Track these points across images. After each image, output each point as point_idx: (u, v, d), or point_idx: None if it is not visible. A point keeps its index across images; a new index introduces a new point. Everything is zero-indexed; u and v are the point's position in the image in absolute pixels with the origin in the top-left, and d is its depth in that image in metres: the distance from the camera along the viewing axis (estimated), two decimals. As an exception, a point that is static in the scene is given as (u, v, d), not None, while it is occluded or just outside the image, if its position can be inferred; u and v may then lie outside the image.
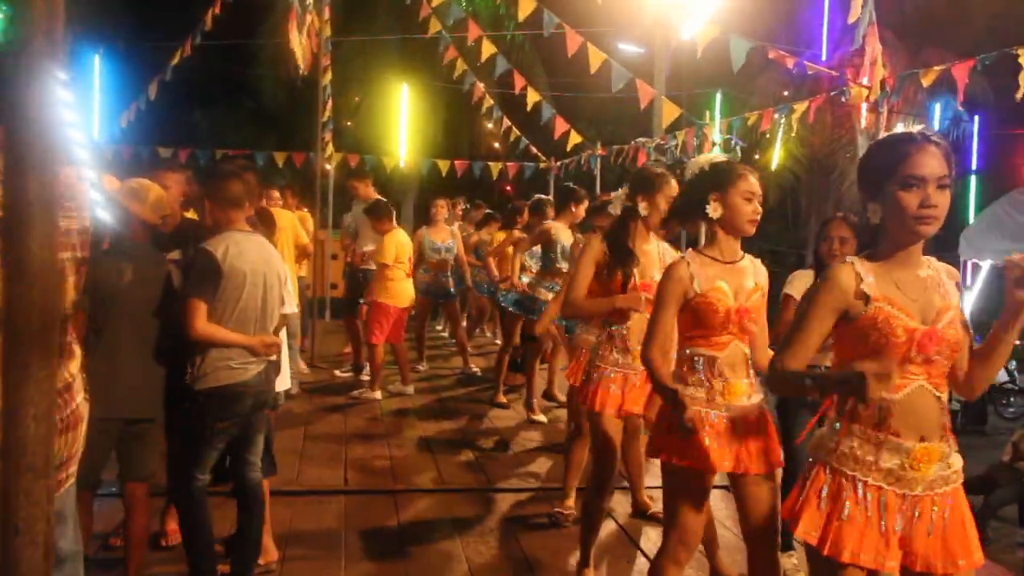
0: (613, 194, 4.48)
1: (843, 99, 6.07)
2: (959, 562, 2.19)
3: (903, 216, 2.18)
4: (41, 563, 1.13)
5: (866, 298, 2.23)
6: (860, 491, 2.21)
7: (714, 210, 3.02)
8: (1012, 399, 14.38)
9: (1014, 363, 15.43)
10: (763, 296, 3.12)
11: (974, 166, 18.24)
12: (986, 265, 13.63)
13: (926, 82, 5.47)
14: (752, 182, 3.02)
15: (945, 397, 2.25)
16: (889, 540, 2.20)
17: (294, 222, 7.49)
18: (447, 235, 9.12)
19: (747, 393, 3.02)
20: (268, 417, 4.13)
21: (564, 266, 6.78)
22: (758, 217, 3.03)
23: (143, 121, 13.04)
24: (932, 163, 2.16)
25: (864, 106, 5.97)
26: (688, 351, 3.03)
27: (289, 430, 6.44)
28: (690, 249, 3.15)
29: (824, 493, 2.26)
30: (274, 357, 3.83)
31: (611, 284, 3.94)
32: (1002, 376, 14.60)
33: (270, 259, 3.80)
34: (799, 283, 4.18)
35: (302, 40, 8.98)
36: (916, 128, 2.25)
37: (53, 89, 1.27)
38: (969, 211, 17.33)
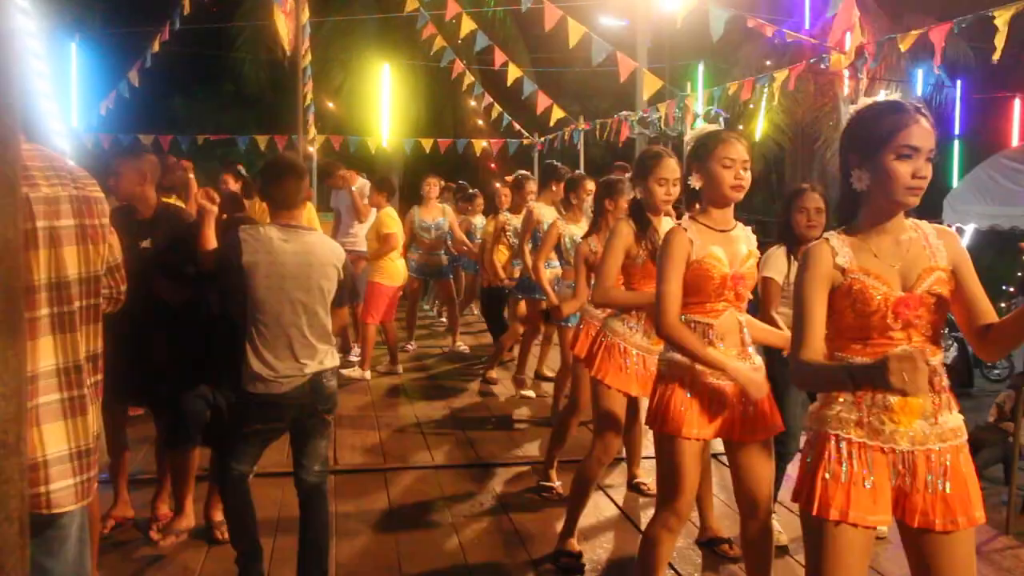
0: (626, 176, 4.53)
1: (822, 66, 6.08)
2: (958, 519, 2.20)
3: (894, 185, 2.18)
4: (16, 539, 1.14)
5: (842, 270, 2.24)
6: (844, 450, 2.23)
7: (695, 180, 3.03)
8: (998, 361, 14.47)
9: (1000, 326, 15.51)
10: (756, 261, 3.15)
11: (957, 130, 18.29)
12: (969, 229, 13.68)
13: (904, 46, 5.48)
14: (732, 148, 2.99)
15: (935, 362, 2.24)
16: (877, 497, 2.21)
17: (313, 215, 7.34)
18: (438, 213, 9.08)
19: (740, 358, 3.01)
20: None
21: None
22: (742, 183, 2.99)
23: (123, 108, 12.96)
24: (926, 135, 2.18)
25: (845, 72, 5.98)
26: (683, 318, 3.00)
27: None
28: (686, 216, 3.14)
29: (812, 456, 2.29)
30: (328, 364, 3.63)
31: (645, 269, 3.80)
32: (988, 340, 14.67)
33: (309, 254, 3.58)
34: (774, 263, 4.20)
35: (289, 23, 8.90)
36: (899, 95, 2.25)
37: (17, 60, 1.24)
38: (952, 176, 17.38)
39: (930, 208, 15.08)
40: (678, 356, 3.01)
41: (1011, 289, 16.79)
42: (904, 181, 2.17)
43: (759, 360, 3.09)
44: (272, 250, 3.49)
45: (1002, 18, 4.66)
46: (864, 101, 2.34)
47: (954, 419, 2.27)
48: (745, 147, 3.03)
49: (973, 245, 14.26)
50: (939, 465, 2.22)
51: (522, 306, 7.48)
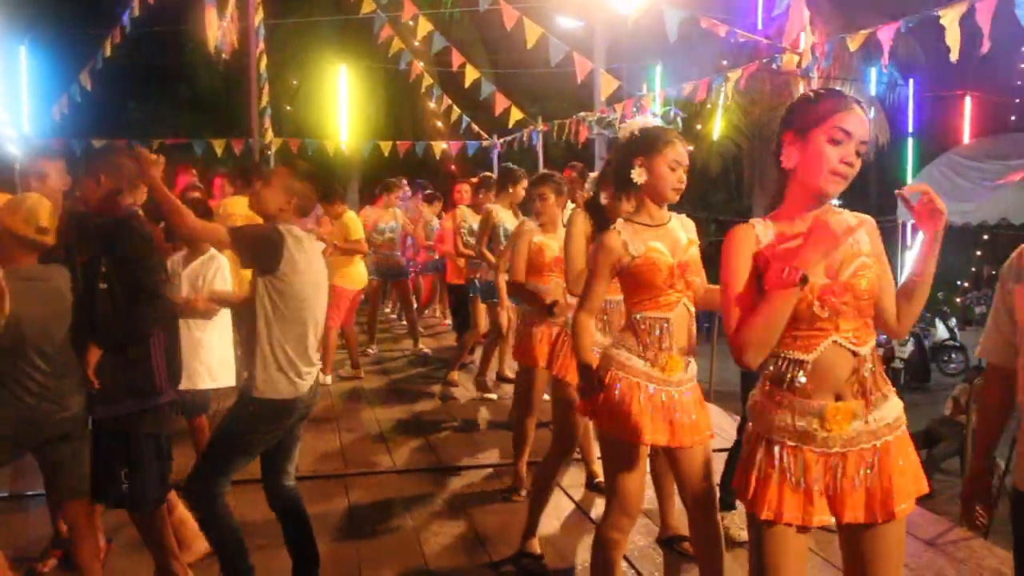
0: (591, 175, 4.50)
1: (775, 66, 6.13)
2: (876, 512, 2.19)
3: (819, 167, 2.17)
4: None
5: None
6: (776, 452, 2.22)
7: (639, 175, 3.00)
8: (953, 355, 14.74)
9: (954, 320, 15.80)
10: (697, 248, 3.14)
11: (910, 128, 18.58)
12: (924, 225, 13.91)
13: (853, 46, 5.54)
14: (680, 151, 3.00)
15: (865, 351, 2.21)
16: (812, 497, 2.21)
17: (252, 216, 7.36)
18: (390, 216, 9.14)
19: (684, 366, 3.04)
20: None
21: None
22: (682, 186, 3.02)
23: (77, 113, 12.73)
24: (859, 124, 2.18)
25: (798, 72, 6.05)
26: (638, 316, 3.01)
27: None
28: (619, 219, 3.13)
29: (749, 453, 2.29)
30: (317, 370, 3.60)
31: None
32: (943, 333, 14.95)
33: (323, 260, 3.64)
34: None
35: (222, 24, 8.73)
36: (854, 94, 2.25)
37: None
38: (907, 173, 17.67)
39: (885, 205, 15.34)
40: (623, 355, 3.01)
41: (966, 284, 17.07)
42: (830, 164, 2.16)
43: (694, 368, 3.11)
44: (304, 249, 3.42)
45: (947, 17, 4.73)
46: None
47: (890, 410, 2.25)
48: (686, 149, 3.06)
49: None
50: (868, 462, 2.21)
51: (482, 308, 7.48)
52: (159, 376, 3.44)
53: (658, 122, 3.18)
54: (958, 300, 16.10)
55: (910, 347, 13.53)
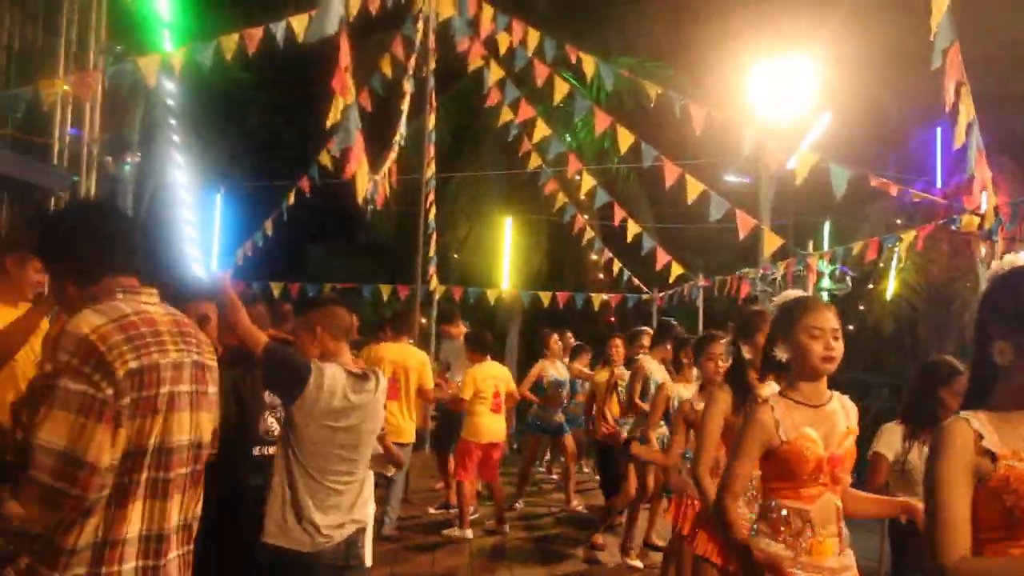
0: (722, 340, 4.27)
1: (954, 228, 5.78)
2: None
3: None
4: None
5: (992, 456, 1.87)
6: None
7: (781, 352, 2.79)
8: None
9: None
10: (854, 439, 2.84)
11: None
12: None
13: (1040, 209, 5.16)
14: (820, 315, 2.75)
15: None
16: None
17: (423, 362, 7.49)
18: (562, 369, 9.16)
19: (836, 551, 2.72)
20: None
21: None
22: (833, 354, 2.73)
23: (260, 256, 13.59)
24: None
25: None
26: (774, 503, 2.75)
27: (373, 570, 6.22)
28: (774, 392, 2.88)
29: None
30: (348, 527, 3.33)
31: None
32: None
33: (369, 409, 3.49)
34: (888, 438, 3.98)
35: (373, 176, 9.10)
36: None
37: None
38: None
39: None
40: (763, 542, 2.72)
41: None
42: None
43: (851, 556, 2.78)
44: (327, 389, 3.23)
45: None
46: (1010, 260, 2.05)
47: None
48: (834, 314, 2.79)
49: None
50: None
51: (633, 468, 7.18)
52: None
53: (827, 283, 3.03)
54: None
55: None
